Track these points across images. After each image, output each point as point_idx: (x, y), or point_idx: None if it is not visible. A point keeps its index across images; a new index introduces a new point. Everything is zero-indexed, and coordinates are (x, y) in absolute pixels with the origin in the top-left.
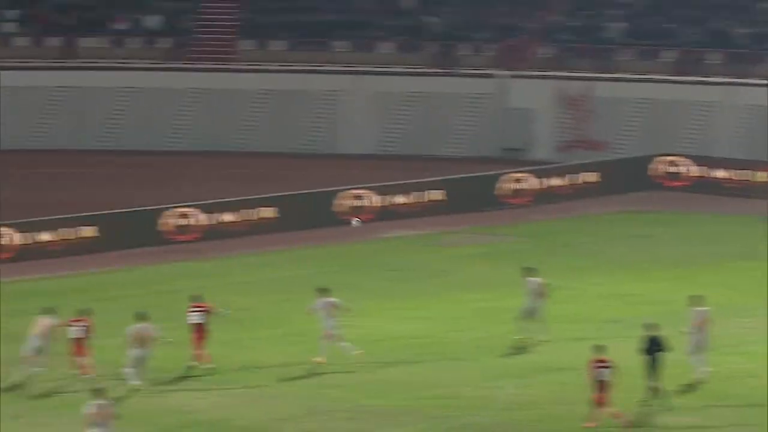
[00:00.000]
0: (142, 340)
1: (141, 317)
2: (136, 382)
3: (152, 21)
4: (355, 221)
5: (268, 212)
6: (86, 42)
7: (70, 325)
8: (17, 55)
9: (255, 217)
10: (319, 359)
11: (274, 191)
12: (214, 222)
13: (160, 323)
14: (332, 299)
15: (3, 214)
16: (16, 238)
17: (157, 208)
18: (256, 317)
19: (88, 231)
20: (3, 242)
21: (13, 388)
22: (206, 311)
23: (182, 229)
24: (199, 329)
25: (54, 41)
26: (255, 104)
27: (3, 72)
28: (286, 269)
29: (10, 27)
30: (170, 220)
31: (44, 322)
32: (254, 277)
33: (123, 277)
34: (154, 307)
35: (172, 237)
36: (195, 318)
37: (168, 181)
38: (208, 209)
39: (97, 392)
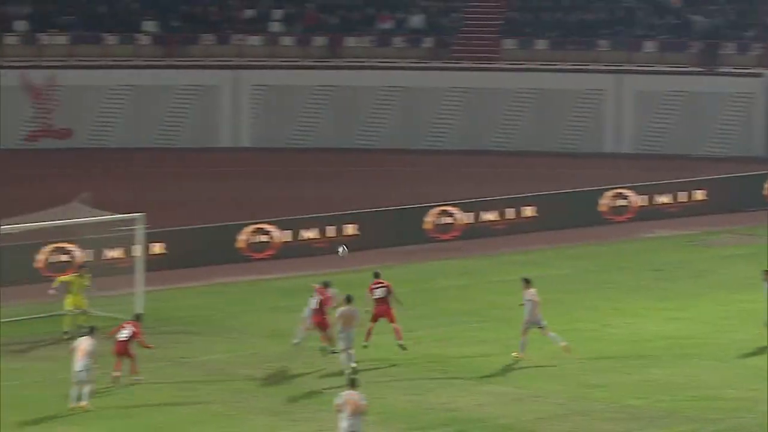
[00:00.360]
0: (348, 322)
1: (348, 300)
2: (352, 365)
3: (416, 20)
4: (341, 249)
5: (529, 211)
6: (351, 41)
7: (312, 297)
8: (283, 55)
9: (516, 216)
10: (516, 354)
11: (535, 190)
12: (475, 221)
13: (423, 320)
14: (533, 290)
15: (265, 210)
16: (280, 235)
17: (419, 207)
18: (516, 316)
19: (350, 229)
20: (266, 239)
21: (272, 381)
22: (387, 287)
23: (444, 227)
24: (383, 302)
25: (319, 41)
26: (518, 103)
27: (267, 71)
28: (546, 268)
29: (276, 27)
30: (432, 218)
31: (324, 293)
32: (515, 276)
33: (386, 275)
34: (417, 305)
35: (434, 235)
36: (379, 293)
37: (429, 179)
38: (469, 208)
39: (352, 383)
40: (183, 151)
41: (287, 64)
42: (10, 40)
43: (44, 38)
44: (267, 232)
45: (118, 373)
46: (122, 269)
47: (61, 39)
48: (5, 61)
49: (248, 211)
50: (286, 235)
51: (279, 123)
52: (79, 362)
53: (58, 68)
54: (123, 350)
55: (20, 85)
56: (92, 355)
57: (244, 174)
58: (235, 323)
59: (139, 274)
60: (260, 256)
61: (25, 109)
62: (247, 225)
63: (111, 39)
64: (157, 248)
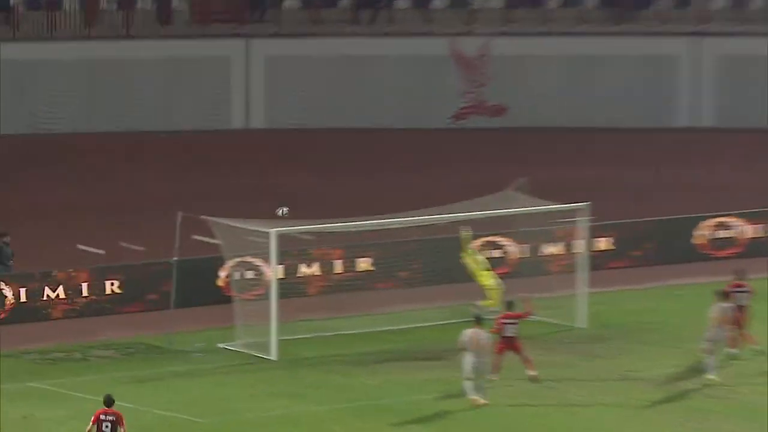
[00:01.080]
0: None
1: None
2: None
3: None
4: (281, 211)
5: None
6: None
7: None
8: (750, 19)
9: None
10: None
11: None
12: None
13: None
14: None
15: (730, 201)
16: (748, 230)
17: None
18: None
19: None
20: (731, 235)
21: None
22: (750, 292)
23: None
24: (741, 310)
25: None
26: None
27: (733, 38)
28: None
29: None
30: None
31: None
32: None
33: None
34: None
35: None
36: (743, 299)
37: None
38: None
39: None
40: (630, 131)
41: (755, 31)
42: (438, 3)
43: (476, 2)
44: (731, 227)
45: (495, 376)
46: (562, 267)
47: (496, 2)
48: (434, 28)
49: (709, 202)
50: (756, 230)
51: (745, 99)
52: (469, 361)
53: (491, 36)
54: (509, 347)
55: (449, 56)
56: (484, 348)
57: (706, 157)
58: (690, 332)
59: (582, 273)
60: (722, 254)
61: (454, 83)
62: (706, 218)
63: (552, 2)
64: (603, 244)
